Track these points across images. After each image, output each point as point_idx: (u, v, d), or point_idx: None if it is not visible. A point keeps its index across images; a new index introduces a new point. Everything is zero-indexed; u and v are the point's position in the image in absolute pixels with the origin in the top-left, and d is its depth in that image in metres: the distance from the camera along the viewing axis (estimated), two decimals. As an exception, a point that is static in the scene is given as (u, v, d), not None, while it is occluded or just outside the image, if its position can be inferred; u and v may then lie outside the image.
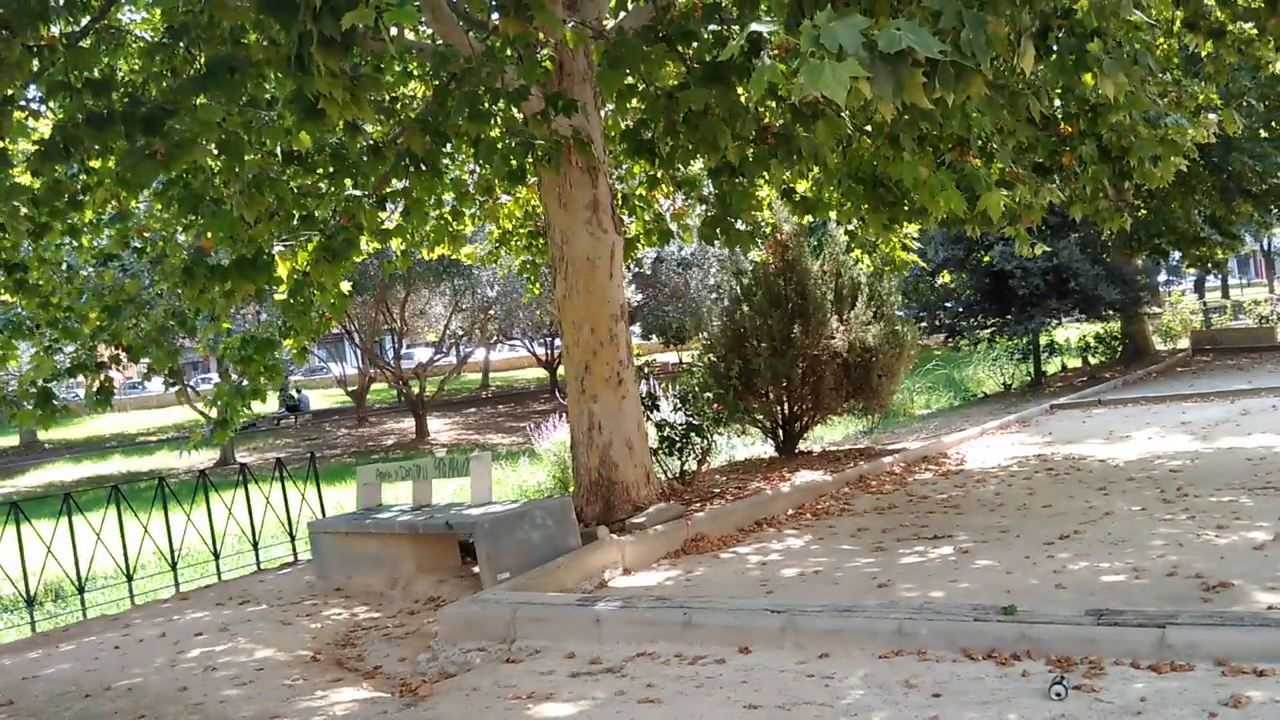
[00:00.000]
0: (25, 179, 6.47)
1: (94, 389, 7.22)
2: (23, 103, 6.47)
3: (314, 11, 4.47)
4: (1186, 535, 6.13)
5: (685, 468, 9.18)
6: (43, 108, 6.88)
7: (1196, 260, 20.31)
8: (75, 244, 7.37)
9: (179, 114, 5.56)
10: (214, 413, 7.22)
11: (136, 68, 7.07)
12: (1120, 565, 5.61)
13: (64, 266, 7.54)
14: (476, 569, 6.83)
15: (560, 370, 28.40)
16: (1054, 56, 6.23)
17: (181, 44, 6.01)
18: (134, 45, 6.62)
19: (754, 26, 4.01)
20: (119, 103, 5.76)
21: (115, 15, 7.27)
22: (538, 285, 11.59)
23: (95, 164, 6.51)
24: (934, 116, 5.64)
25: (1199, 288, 42.04)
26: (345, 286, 7.72)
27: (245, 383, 7.09)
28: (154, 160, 5.49)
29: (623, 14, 7.87)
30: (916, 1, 4.71)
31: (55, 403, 7.15)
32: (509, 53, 6.42)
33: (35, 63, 5.52)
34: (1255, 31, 8.42)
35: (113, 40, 6.89)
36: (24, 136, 6.55)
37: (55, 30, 5.64)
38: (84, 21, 6.03)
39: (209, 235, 6.27)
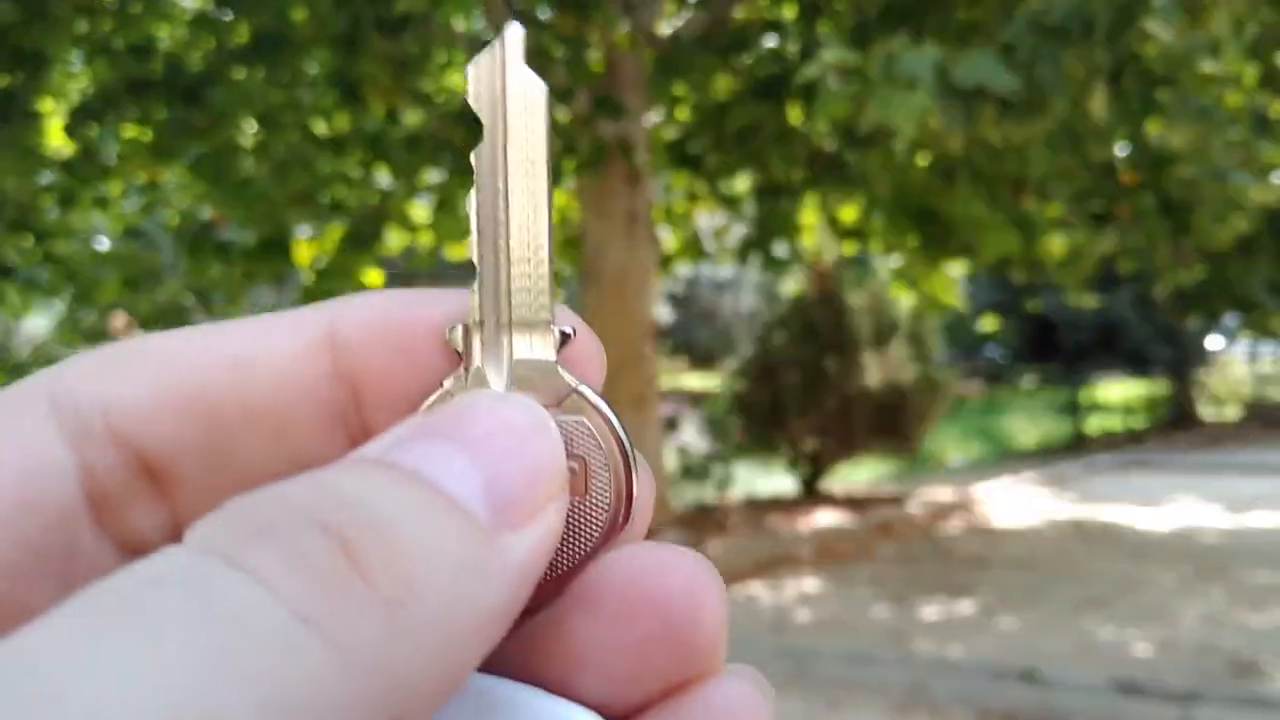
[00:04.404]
0: (58, 141, 6.40)
1: None
2: (70, 62, 6.42)
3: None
4: (1221, 612, 5.85)
5: (702, 497, 8.96)
6: (79, 69, 6.81)
7: (1251, 327, 19.78)
8: (103, 214, 7.30)
9: (219, 85, 5.47)
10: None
11: (180, 38, 7.00)
12: (1149, 637, 5.34)
13: (89, 238, 7.47)
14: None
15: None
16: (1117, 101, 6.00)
17: (228, 16, 5.93)
18: (178, 15, 6.55)
19: (822, 53, 3.85)
20: (160, 70, 5.67)
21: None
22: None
23: (131, 133, 6.43)
24: (997, 152, 5.44)
25: (1251, 356, 41.13)
26: (376, 277, 7.59)
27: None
28: (194, 131, 5.41)
29: (679, 20, 7.72)
30: (988, 33, 4.52)
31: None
32: (559, 52, 6.29)
33: (85, 24, 5.46)
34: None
35: (158, 7, 6.82)
36: (63, 97, 6.49)
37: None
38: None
39: (216, 209, 6.16)
